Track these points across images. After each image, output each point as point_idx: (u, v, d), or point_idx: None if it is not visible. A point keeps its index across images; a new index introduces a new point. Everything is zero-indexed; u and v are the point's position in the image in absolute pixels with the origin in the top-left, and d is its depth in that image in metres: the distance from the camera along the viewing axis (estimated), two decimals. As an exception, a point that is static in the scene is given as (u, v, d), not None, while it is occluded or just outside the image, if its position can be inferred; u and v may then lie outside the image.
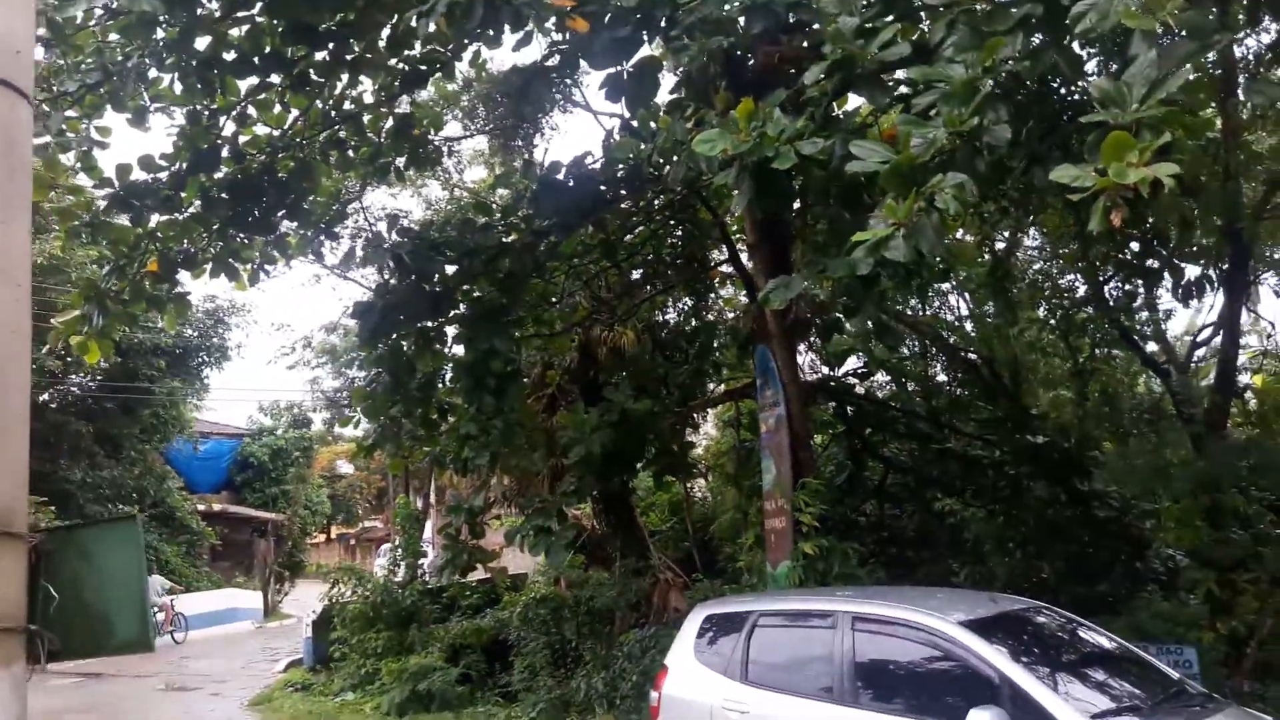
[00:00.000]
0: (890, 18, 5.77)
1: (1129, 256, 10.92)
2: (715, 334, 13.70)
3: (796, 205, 9.36)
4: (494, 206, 11.78)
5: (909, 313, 13.42)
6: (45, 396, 22.88)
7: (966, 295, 14.21)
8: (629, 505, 14.65)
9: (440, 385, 10.76)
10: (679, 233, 13.37)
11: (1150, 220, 9.08)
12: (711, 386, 14.32)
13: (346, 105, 9.93)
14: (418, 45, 8.96)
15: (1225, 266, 10.61)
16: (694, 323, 14.62)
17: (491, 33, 7.12)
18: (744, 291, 12.64)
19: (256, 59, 8.55)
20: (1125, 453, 11.92)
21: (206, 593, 27.44)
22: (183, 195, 9.23)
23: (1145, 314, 13.10)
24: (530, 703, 11.88)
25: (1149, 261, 10.56)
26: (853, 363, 13.73)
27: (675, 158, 7.53)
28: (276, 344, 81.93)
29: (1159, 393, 13.82)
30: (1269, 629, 8.70)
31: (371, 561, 31.38)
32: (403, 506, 20.17)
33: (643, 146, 8.10)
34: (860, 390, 13.79)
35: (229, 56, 8.57)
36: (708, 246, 13.68)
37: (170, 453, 29.79)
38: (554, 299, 12.95)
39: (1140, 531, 11.28)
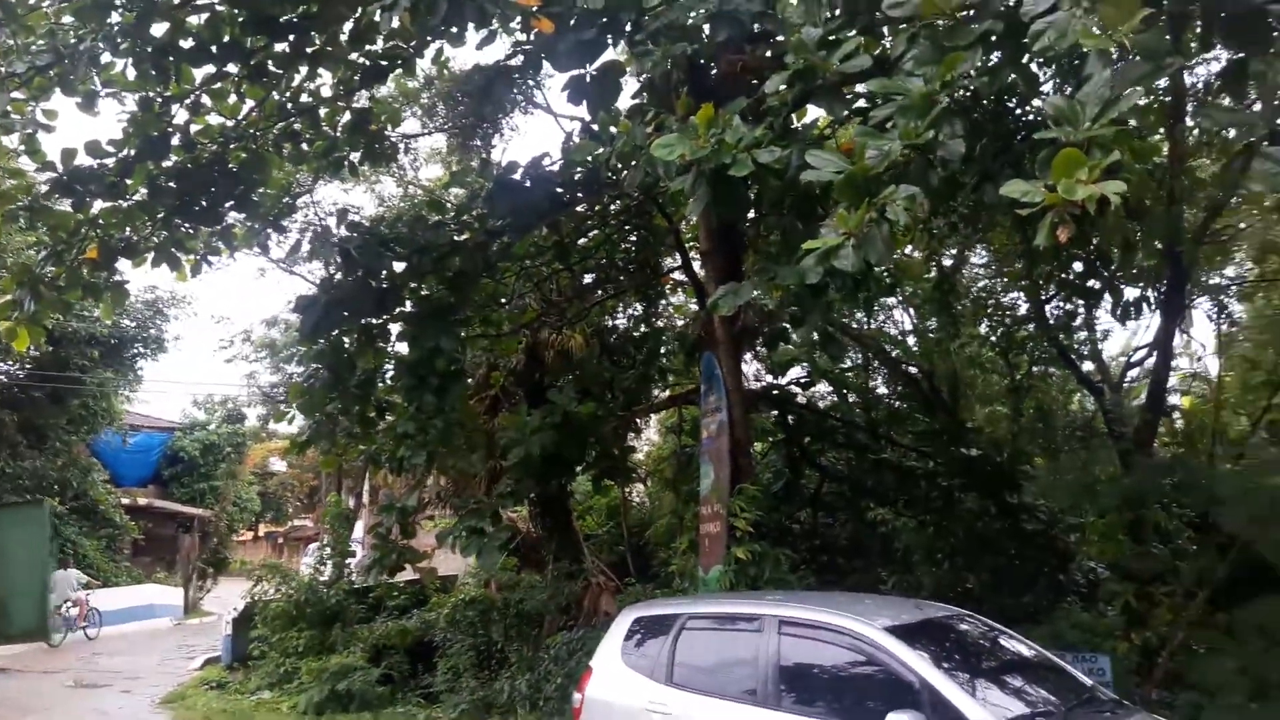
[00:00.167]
0: (853, 31, 5.92)
1: (1071, 276, 11.26)
2: (663, 340, 13.82)
3: (751, 214, 9.51)
4: (448, 205, 11.75)
5: (855, 325, 13.71)
6: (-33, 383, 22.09)
7: (911, 310, 14.57)
8: (566, 508, 14.68)
9: (380, 383, 10.67)
10: (633, 238, 13.46)
11: (1094, 241, 9.39)
12: (657, 392, 14.43)
13: (304, 98, 9.81)
14: (380, 40, 8.89)
15: (1163, 289, 10.97)
16: (643, 328, 14.72)
17: (455, 30, 7.13)
18: (694, 299, 12.79)
19: (214, 48, 8.38)
20: (1055, 468, 12.31)
21: (124, 588, 26.74)
22: (129, 182, 9.00)
23: (1084, 333, 13.53)
24: (452, 704, 11.81)
25: (1090, 282, 10.89)
26: (797, 372, 13.99)
27: (634, 162, 7.59)
28: (215, 337, 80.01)
29: (1092, 411, 14.27)
30: (1180, 640, 9.05)
31: (299, 560, 30.89)
32: (333, 505, 19.88)
33: (601, 150, 8.17)
34: (802, 399, 14.04)
35: (186, 44, 8.39)
36: (661, 253, 13.80)
37: (98, 445, 28.92)
38: (503, 300, 12.93)
39: (1065, 545, 11.67)
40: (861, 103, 6.26)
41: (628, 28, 7.54)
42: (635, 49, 7.59)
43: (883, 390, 14.98)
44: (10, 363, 23.48)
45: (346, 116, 10.23)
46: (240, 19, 8.22)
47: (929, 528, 12.11)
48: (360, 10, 7.91)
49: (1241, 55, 4.97)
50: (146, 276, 48.13)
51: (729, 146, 6.09)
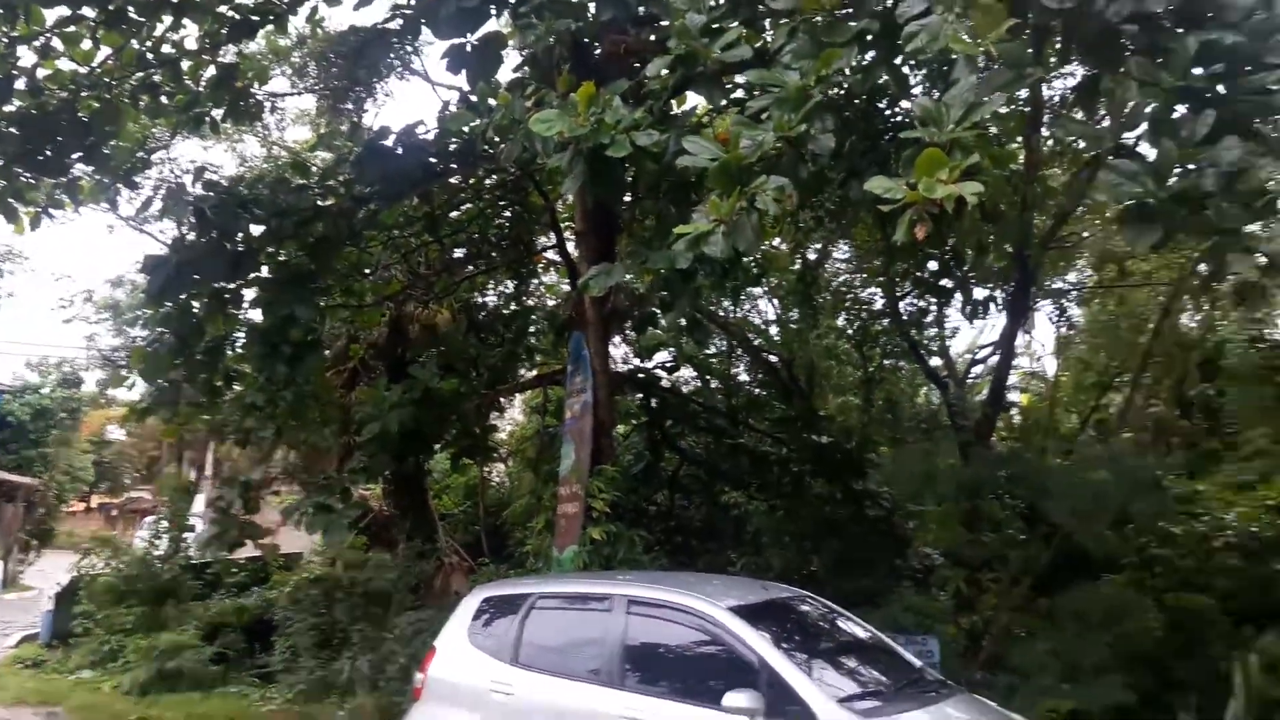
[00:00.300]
0: (736, 21, 6.02)
1: (926, 275, 11.81)
2: (533, 319, 13.75)
3: (628, 197, 9.55)
4: (313, 168, 11.33)
5: (721, 313, 13.99)
6: None
7: (776, 301, 14.98)
8: (422, 487, 14.45)
9: (229, 351, 10.23)
10: (508, 214, 13.31)
11: (950, 242, 9.85)
12: (524, 371, 14.36)
13: (166, 48, 9.31)
14: (252, -7, 8.55)
15: (1010, 291, 11.62)
16: (513, 306, 14.59)
17: (332, -13, 6.89)
18: (567, 279, 12.78)
19: (70, -12, 7.89)
20: (899, 457, 12.89)
21: (-67, 561, 24.80)
22: (-36, 126, 8.39)
23: (934, 330, 14.22)
24: (288, 684, 11.47)
25: (944, 281, 11.45)
26: (664, 357, 14.17)
27: (511, 136, 7.53)
28: (54, 295, 74.55)
29: (937, 404, 15.00)
30: (1003, 624, 9.65)
31: (134, 534, 29.26)
32: (173, 477, 18.93)
33: (479, 122, 8.06)
34: (667, 383, 14.25)
35: (37, -18, 7.87)
36: (535, 231, 13.71)
37: (-84, 406, 26.62)
38: (368, 270, 12.59)
39: (905, 531, 12.28)
40: (740, 93, 6.38)
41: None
42: (519, 21, 7.50)
43: (744, 377, 15.36)
44: None
45: (211, 71, 9.75)
46: (99, -40, 7.73)
47: (779, 511, 12.49)
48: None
49: (1095, 72, 5.33)
50: (-21, 228, 44.16)
51: (608, 127, 6.12)
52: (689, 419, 13.84)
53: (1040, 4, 4.92)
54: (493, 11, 7.60)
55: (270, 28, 9.60)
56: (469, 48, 7.99)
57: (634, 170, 7.27)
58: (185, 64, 9.58)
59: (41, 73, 8.80)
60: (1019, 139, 9.74)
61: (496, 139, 8.32)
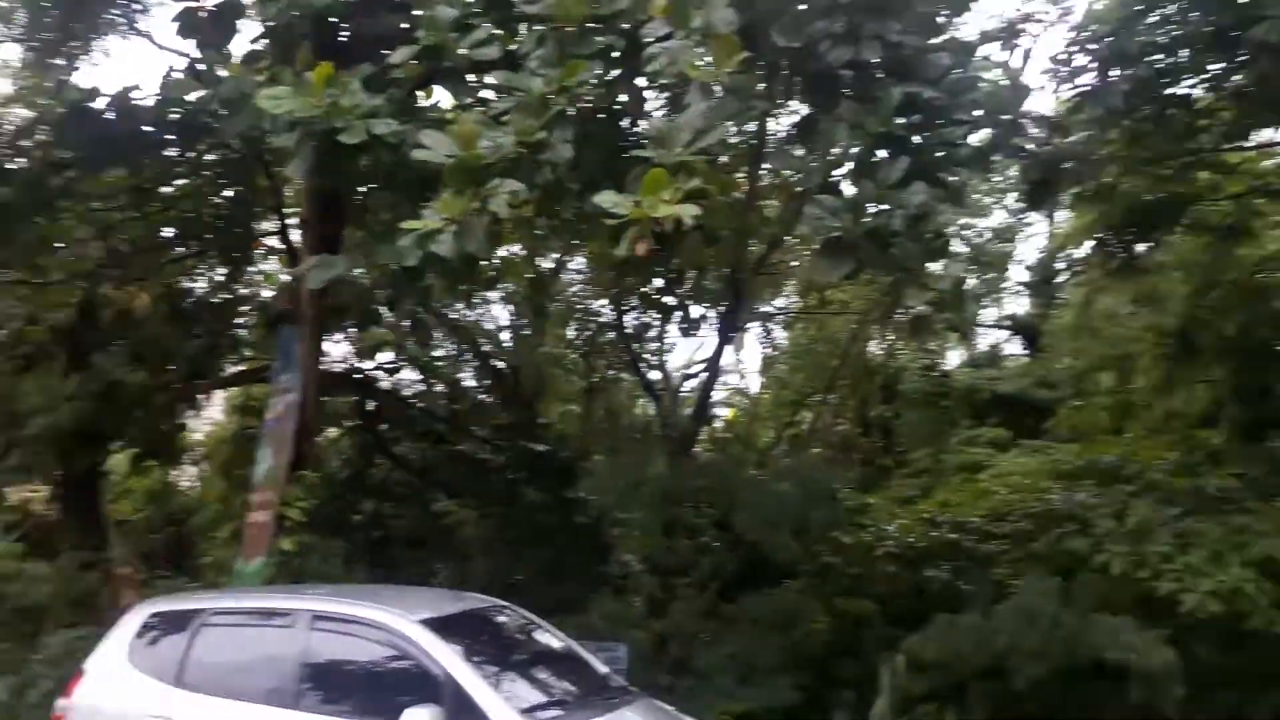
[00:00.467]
0: (488, 20, 6.05)
1: (652, 291, 12.34)
2: (245, 309, 12.82)
3: (364, 188, 9.20)
4: (5, 125, 10.00)
5: (454, 316, 13.78)
6: None
7: (510, 307, 15.01)
8: (96, 490, 13.01)
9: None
10: (228, 194, 12.33)
11: (674, 261, 10.37)
12: (230, 367, 13.35)
13: None
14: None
15: (723, 311, 12.30)
16: (224, 295, 13.53)
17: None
18: (288, 268, 12.03)
19: None
20: (608, 466, 13.30)
21: None
22: None
23: (656, 345, 14.80)
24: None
25: (666, 298, 12.02)
26: (387, 357, 13.73)
27: (238, 110, 7.06)
28: None
29: (652, 416, 15.66)
30: (690, 629, 10.20)
31: None
32: None
33: (205, 93, 7.48)
34: (387, 385, 13.83)
35: None
36: (257, 215, 12.78)
37: None
38: (58, 243, 11.22)
39: (609, 538, 12.68)
40: (491, 93, 6.41)
41: (255, -34, 7.03)
42: (261, -9, 7.08)
43: (472, 383, 15.24)
44: None
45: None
46: None
47: (491, 519, 12.48)
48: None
49: (814, 112, 5.90)
50: None
51: (343, 110, 5.91)
52: (407, 423, 13.52)
53: (771, 42, 5.44)
54: (233, -23, 7.13)
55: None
56: (203, 12, 7.42)
57: (369, 160, 7.05)
58: None
59: None
60: (744, 168, 10.48)
61: (223, 112, 7.76)
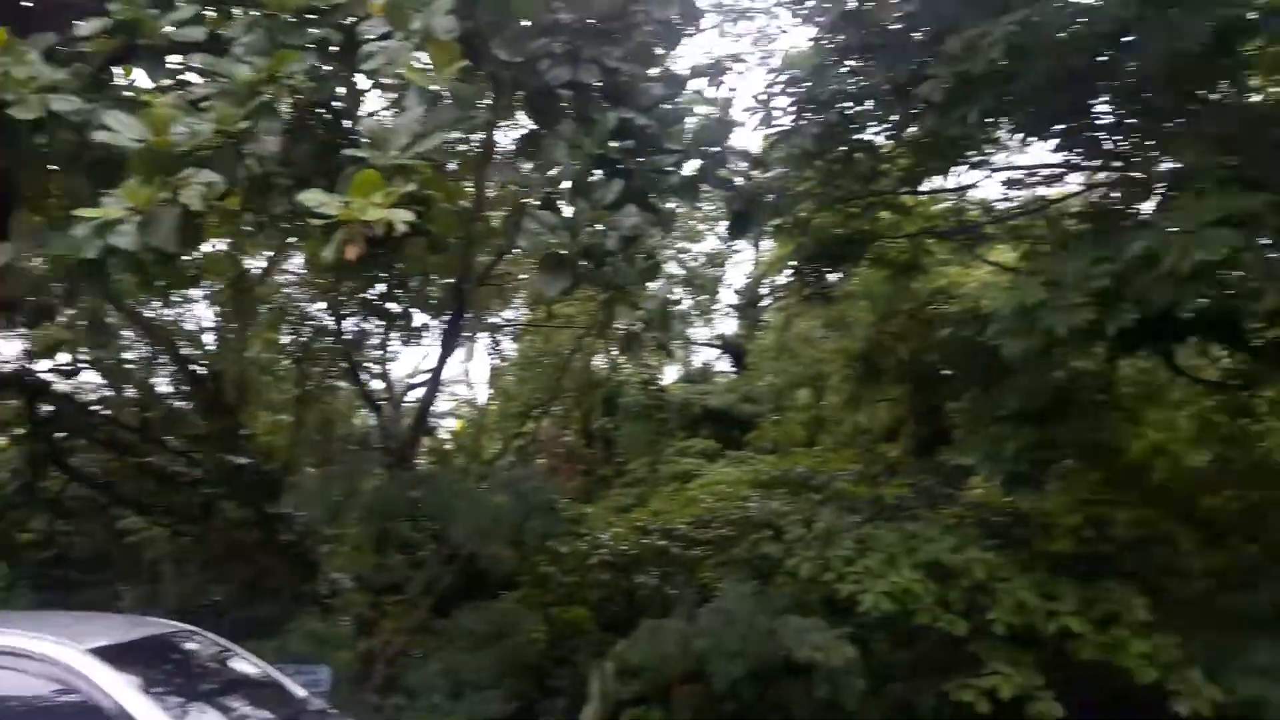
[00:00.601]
0: (194, 0, 5.59)
1: (374, 297, 11.88)
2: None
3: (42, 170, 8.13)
4: None
5: (149, 315, 12.55)
6: None
7: (216, 308, 13.88)
8: None
9: None
10: None
11: (399, 268, 10.05)
12: None
13: None
14: None
15: (448, 320, 12.11)
16: None
17: None
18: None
19: None
20: (316, 480, 12.69)
21: None
22: None
23: (378, 352, 14.30)
24: None
25: (389, 304, 11.62)
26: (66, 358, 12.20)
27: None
28: None
29: (372, 426, 15.12)
30: (400, 647, 9.95)
31: None
32: None
33: None
34: (67, 389, 12.34)
35: None
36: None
37: None
38: None
39: (316, 556, 12.09)
40: (196, 76, 5.91)
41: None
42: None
43: (168, 388, 13.94)
44: None
45: None
46: None
47: (184, 537, 11.62)
48: None
49: (536, 127, 5.94)
50: None
51: (15, 82, 5.24)
52: (87, 432, 12.15)
53: (492, 54, 5.42)
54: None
55: None
56: None
57: (45, 139, 6.27)
58: None
59: None
60: (472, 179, 10.40)
61: None
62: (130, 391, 13.37)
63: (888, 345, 12.36)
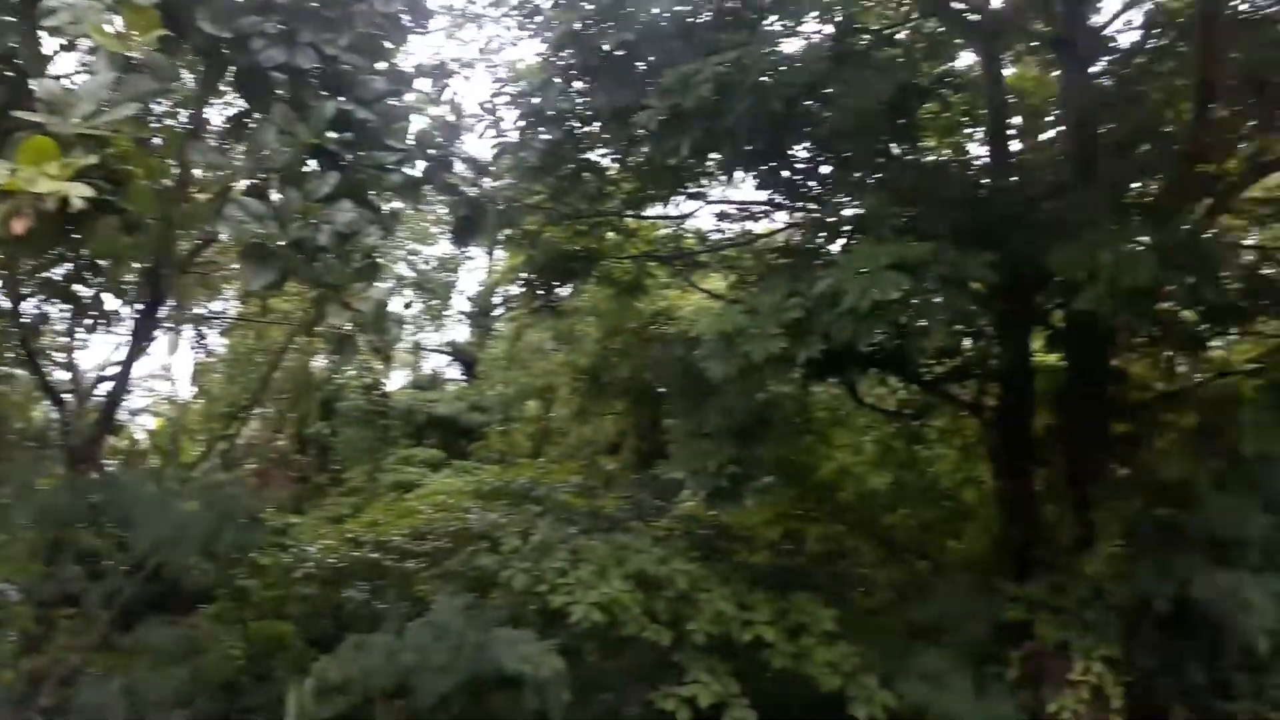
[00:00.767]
0: None
1: (59, 277, 10.59)
2: None
3: None
4: None
5: None
6: None
7: None
8: None
9: None
10: None
11: (88, 249, 9.05)
12: None
13: None
14: None
15: (143, 307, 11.07)
16: None
17: None
18: None
19: None
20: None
21: None
22: None
23: (63, 340, 12.89)
24: None
25: (76, 287, 10.40)
26: None
27: None
28: None
29: (52, 421, 13.52)
30: (73, 664, 9.01)
31: None
32: None
33: None
34: None
35: None
36: None
37: None
38: None
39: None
40: None
41: None
42: None
43: None
44: None
45: None
46: None
47: None
48: None
49: (246, 109, 5.57)
50: None
51: None
52: None
53: (197, 26, 5.05)
54: None
55: None
56: None
57: None
58: None
59: None
60: (177, 158, 9.58)
61: None
62: None
63: (613, 361, 12.74)
